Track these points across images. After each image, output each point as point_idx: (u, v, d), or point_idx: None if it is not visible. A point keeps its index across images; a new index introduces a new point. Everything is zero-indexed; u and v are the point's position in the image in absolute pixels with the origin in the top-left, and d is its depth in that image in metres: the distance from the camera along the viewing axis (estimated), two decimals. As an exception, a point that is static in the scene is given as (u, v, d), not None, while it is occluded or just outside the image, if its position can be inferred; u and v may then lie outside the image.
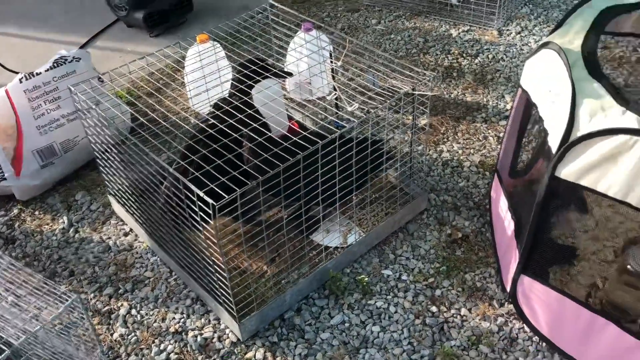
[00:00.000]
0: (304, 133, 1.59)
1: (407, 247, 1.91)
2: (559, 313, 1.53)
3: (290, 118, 2.37)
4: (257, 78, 1.85)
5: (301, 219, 1.76)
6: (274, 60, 2.32)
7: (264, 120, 1.74)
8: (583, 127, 1.29)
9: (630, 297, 1.57)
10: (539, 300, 1.56)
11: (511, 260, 1.65)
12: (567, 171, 1.33)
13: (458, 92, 2.59)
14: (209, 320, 1.72)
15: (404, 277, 1.81)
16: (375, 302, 1.74)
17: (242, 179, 1.45)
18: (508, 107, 2.48)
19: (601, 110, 1.28)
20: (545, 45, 1.52)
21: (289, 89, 2.58)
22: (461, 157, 2.25)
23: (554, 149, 1.35)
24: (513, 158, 1.81)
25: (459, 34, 3.00)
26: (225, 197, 1.33)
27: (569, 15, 1.61)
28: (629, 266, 1.54)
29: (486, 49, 2.86)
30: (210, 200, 1.33)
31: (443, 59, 2.82)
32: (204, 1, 3.47)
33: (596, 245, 1.80)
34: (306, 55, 2.28)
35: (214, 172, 1.43)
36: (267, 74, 1.89)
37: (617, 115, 1.26)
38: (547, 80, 1.47)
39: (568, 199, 1.47)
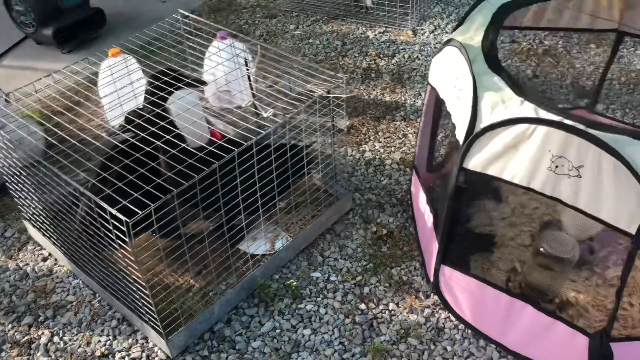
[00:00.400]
0: (220, 142, 1.57)
1: (334, 247, 1.92)
2: (480, 300, 1.58)
3: (210, 127, 2.34)
4: (170, 89, 1.81)
5: (223, 229, 1.74)
6: (190, 70, 2.29)
7: (178, 131, 1.71)
8: (485, 119, 1.34)
9: (544, 277, 1.65)
10: (461, 289, 1.61)
11: (433, 252, 1.69)
12: (474, 162, 1.38)
13: (377, 93, 2.64)
14: (137, 340, 1.68)
15: (332, 278, 1.82)
16: (306, 305, 1.75)
17: (158, 193, 1.42)
18: (425, 104, 2.55)
19: (501, 102, 1.34)
20: (448, 42, 1.57)
21: (208, 98, 2.55)
22: (383, 156, 2.29)
23: (461, 142, 1.40)
24: (429, 153, 1.86)
25: (376, 35, 3.06)
26: (138, 213, 1.30)
27: (469, 12, 1.67)
28: (541, 249, 1.61)
29: (402, 49, 2.93)
30: (123, 218, 1.29)
31: (361, 61, 2.87)
32: (118, 14, 3.38)
33: (513, 231, 1.88)
34: (220, 63, 2.26)
35: (127, 189, 1.40)
36: (180, 84, 1.86)
37: (516, 105, 1.32)
38: (451, 76, 1.52)
39: (478, 189, 1.53)
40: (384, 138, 2.38)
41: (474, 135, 1.34)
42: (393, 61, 2.85)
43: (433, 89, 1.68)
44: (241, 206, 1.63)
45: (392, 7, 3.10)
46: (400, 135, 2.38)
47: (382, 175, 2.20)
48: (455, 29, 1.63)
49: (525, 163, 1.30)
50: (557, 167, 1.26)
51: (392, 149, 2.32)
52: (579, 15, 1.92)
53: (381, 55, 2.90)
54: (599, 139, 1.19)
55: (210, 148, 1.53)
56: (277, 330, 1.68)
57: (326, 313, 1.72)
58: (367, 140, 2.37)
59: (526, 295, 1.68)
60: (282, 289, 1.79)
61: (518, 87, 1.37)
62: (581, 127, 1.22)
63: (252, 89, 2.13)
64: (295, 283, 1.78)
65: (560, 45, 2.90)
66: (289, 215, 1.96)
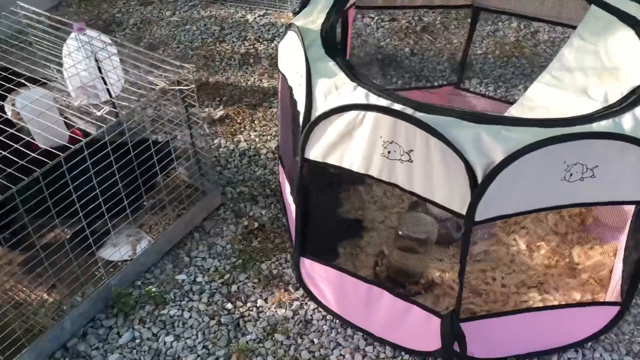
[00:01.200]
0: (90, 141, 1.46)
1: (203, 246, 1.84)
2: (342, 289, 1.56)
3: (70, 126, 2.19)
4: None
5: (80, 236, 1.63)
6: (42, 66, 2.12)
7: (12, 131, 1.56)
8: (320, 106, 1.29)
9: (407, 260, 1.64)
10: (323, 280, 1.57)
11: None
12: (315, 152, 1.33)
13: (255, 79, 2.56)
14: (-19, 367, 1.54)
15: (199, 279, 1.75)
16: (169, 310, 1.66)
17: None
18: (303, 88, 2.49)
19: (335, 88, 1.29)
20: (289, 27, 1.51)
21: (72, 95, 2.38)
22: (258, 145, 2.22)
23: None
24: (291, 142, 1.80)
25: (255, 19, 2.97)
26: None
27: (314, -7, 1.61)
28: (400, 232, 1.60)
29: (282, 32, 2.85)
30: None
31: (239, 46, 2.77)
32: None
33: (384, 214, 1.86)
34: (70, 54, 2.10)
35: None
36: (10, 85, 1.70)
37: (348, 91, 1.27)
38: (294, 63, 1.46)
39: (325, 178, 1.48)
40: (260, 127, 2.31)
41: (310, 124, 1.29)
42: (272, 45, 2.77)
43: (283, 75, 1.61)
44: (103, 208, 1.53)
45: (271, -12, 3.02)
46: (276, 123, 2.32)
47: (257, 165, 2.14)
48: (299, 11, 1.57)
49: (360, 150, 1.27)
50: (389, 152, 1.23)
51: (268, 137, 2.26)
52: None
53: (260, 40, 2.81)
54: (424, 122, 1.16)
55: (34, 154, 1.40)
56: (137, 341, 1.59)
57: (190, 317, 1.65)
58: (243, 129, 2.29)
59: (393, 279, 1.67)
60: (144, 296, 1.70)
61: (353, 72, 1.32)
62: (409, 111, 1.19)
63: (106, 84, 1.99)
64: (154, 289, 1.69)
65: (439, 22, 2.91)
66: (155, 216, 1.86)
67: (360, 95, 1.25)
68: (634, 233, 1.36)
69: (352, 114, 1.23)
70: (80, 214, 1.49)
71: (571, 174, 1.17)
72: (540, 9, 1.82)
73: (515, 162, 1.12)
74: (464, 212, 1.20)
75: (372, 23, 2.90)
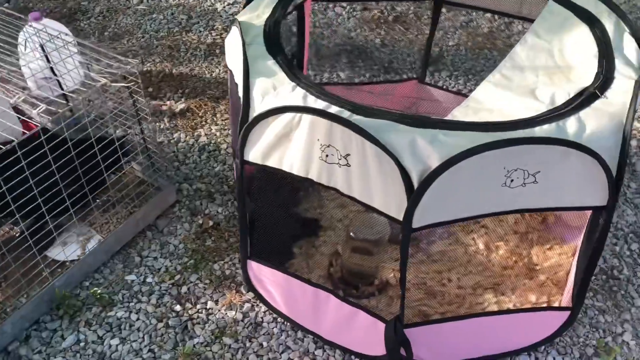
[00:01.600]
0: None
1: (155, 245, 1.80)
2: (290, 292, 1.52)
3: (25, 121, 2.13)
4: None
5: (25, 234, 1.58)
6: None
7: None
8: (258, 107, 1.24)
9: (360, 261, 1.61)
10: (271, 282, 1.54)
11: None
12: (254, 154, 1.29)
13: (220, 70, 2.50)
14: None
15: (149, 280, 1.71)
16: (116, 312, 1.62)
17: None
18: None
19: (273, 88, 1.24)
20: (233, 22, 1.45)
21: (32, 87, 2.32)
22: (219, 140, 2.17)
23: (241, 132, 1.30)
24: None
25: (224, 7, 2.90)
26: None
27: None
28: (351, 233, 1.56)
29: (251, 21, 2.79)
30: None
31: (206, 36, 2.71)
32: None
33: (342, 212, 1.82)
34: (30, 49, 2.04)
35: None
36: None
37: (287, 92, 1.22)
38: (236, 59, 1.41)
39: (268, 180, 1.44)
40: (222, 120, 2.25)
41: (247, 125, 1.24)
42: (240, 35, 2.70)
43: (230, 72, 1.56)
44: (43, 209, 1.48)
45: (241, -24, 2.94)
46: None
47: (216, 161, 2.09)
48: (245, 4, 1.51)
49: (299, 153, 1.22)
50: (327, 156, 1.19)
51: (230, 131, 2.20)
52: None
53: (228, 29, 2.73)
54: (359, 126, 1.11)
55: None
56: (82, 344, 1.55)
57: (138, 319, 1.61)
58: (204, 123, 2.24)
59: (346, 281, 1.64)
60: (91, 297, 1.66)
61: (293, 70, 1.27)
62: (346, 114, 1.15)
63: (56, 75, 1.93)
64: (99, 291, 1.65)
65: (412, 12, 2.85)
66: (106, 214, 1.82)
67: (298, 96, 1.20)
68: (587, 239, 1.33)
69: (288, 115, 1.18)
70: (17, 214, 1.45)
71: (512, 180, 1.13)
72: (502, 4, 1.77)
73: (451, 168, 1.08)
74: (401, 218, 1.16)
75: (343, 12, 2.83)
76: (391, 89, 2.09)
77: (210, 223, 1.86)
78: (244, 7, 1.50)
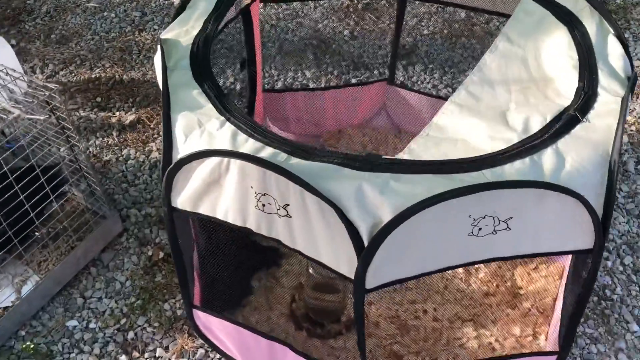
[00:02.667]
0: None
1: (100, 283, 1.63)
2: (242, 342, 1.36)
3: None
4: None
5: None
6: None
7: None
8: (181, 148, 1.05)
9: (321, 299, 1.44)
10: (221, 332, 1.37)
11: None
12: (181, 200, 1.11)
13: (175, 74, 2.30)
14: None
15: (92, 325, 1.54)
16: (54, 366, 1.46)
17: None
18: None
19: (198, 124, 1.05)
20: (159, 41, 1.25)
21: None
22: (173, 155, 1.98)
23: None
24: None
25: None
26: None
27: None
28: (310, 270, 1.39)
29: (209, 16, 2.57)
30: None
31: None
32: None
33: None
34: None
35: None
36: None
37: (214, 129, 1.04)
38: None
39: (200, 227, 1.26)
40: (177, 132, 2.06)
41: (169, 170, 1.06)
42: (198, 33, 2.49)
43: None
44: None
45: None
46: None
47: (169, 179, 1.90)
48: (173, 17, 1.31)
49: (233, 201, 1.04)
50: (264, 205, 1.01)
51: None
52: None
53: (185, 27, 2.53)
54: (294, 174, 0.93)
55: None
56: (14, 407, 1.39)
57: (78, 373, 1.45)
58: (156, 136, 2.05)
59: (310, 319, 1.48)
60: (28, 348, 1.49)
61: (223, 101, 1.08)
62: (281, 157, 0.97)
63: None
64: (34, 344, 1.48)
65: (383, -2, 2.64)
66: (45, 249, 1.64)
67: (226, 135, 1.02)
68: (571, 284, 1.16)
69: (215, 160, 1.00)
70: None
71: (480, 229, 0.95)
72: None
73: (407, 222, 0.91)
74: (352, 276, 0.99)
75: (310, 2, 2.62)
76: (358, 93, 1.90)
77: (161, 254, 1.68)
78: (173, 19, 1.30)
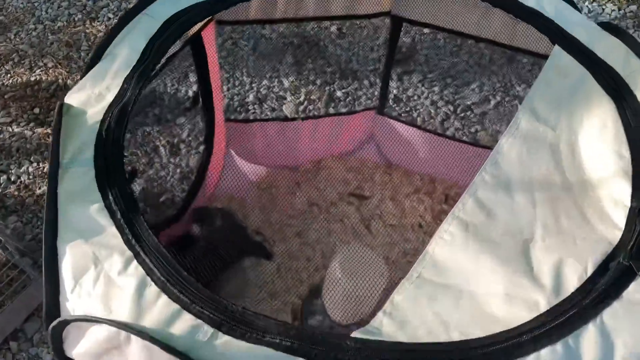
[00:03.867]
0: None
1: (21, 363, 1.35)
2: None
3: None
4: None
5: None
6: None
7: None
8: (69, 297, 0.75)
9: None
10: None
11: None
12: (78, 352, 0.81)
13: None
14: None
15: (6, 423, 1.27)
16: None
17: None
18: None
19: (93, 262, 0.74)
20: (59, 108, 0.92)
21: None
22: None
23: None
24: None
25: (142, -18, 2.28)
26: None
27: (116, 31, 1.01)
28: None
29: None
30: None
31: (116, 26, 2.12)
32: None
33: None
34: None
35: None
36: None
37: (115, 271, 0.73)
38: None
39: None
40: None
41: (53, 326, 0.75)
42: (159, 24, 2.12)
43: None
44: None
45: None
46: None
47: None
48: (86, 70, 0.98)
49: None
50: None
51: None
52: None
53: (144, 16, 2.15)
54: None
55: None
56: None
57: None
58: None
59: None
60: None
61: (134, 223, 0.77)
62: (204, 331, 0.67)
63: None
64: None
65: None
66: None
67: (129, 284, 0.71)
68: None
69: (111, 328, 0.70)
70: None
71: None
72: (483, 30, 1.22)
73: None
74: None
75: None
76: (340, 125, 1.57)
77: (97, 326, 1.40)
78: (84, 74, 0.97)
